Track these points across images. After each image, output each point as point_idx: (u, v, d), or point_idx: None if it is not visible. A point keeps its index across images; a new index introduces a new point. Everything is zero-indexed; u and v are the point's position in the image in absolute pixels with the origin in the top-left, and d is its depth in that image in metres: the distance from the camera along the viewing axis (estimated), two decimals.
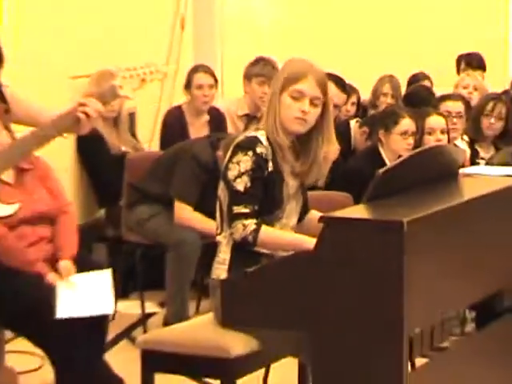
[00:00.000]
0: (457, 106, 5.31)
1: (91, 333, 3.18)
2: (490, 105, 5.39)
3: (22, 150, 3.06)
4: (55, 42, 5.09)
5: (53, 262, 3.33)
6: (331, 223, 2.57)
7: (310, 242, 2.63)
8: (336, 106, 5.20)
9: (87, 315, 3.14)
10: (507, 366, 3.33)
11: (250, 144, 2.84)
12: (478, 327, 3.51)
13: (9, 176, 3.22)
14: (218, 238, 2.93)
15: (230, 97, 6.36)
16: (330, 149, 2.96)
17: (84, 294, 3.22)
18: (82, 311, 3.17)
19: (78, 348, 3.10)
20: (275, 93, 2.89)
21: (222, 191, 2.89)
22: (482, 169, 4.17)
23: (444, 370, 3.01)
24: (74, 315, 3.10)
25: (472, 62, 7.39)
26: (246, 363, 2.94)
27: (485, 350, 3.23)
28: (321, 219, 2.56)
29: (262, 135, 2.85)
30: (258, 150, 2.81)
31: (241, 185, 2.80)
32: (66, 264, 3.25)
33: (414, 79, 7.05)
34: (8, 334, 3.56)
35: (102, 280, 3.31)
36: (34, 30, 4.95)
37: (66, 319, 3.06)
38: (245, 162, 2.81)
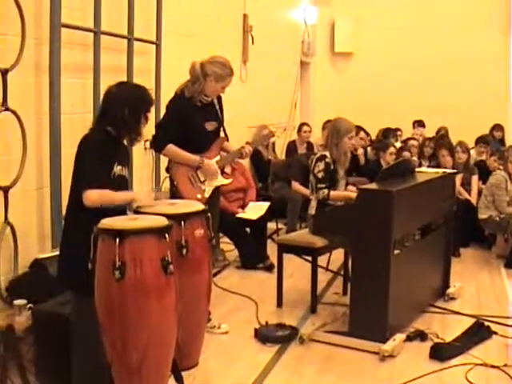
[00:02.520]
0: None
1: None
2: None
3: (226, 161, 5.57)
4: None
5: (243, 207, 6.77)
6: (362, 190, 5.34)
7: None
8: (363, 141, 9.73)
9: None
10: (433, 256, 6.20)
11: (322, 157, 6.05)
12: (422, 237, 6.28)
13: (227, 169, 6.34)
14: (311, 197, 6.15)
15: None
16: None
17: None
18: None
19: None
20: (339, 136, 6.05)
21: (312, 177, 6.09)
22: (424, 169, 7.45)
23: (406, 256, 5.59)
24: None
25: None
26: (322, 250, 6.01)
27: (425, 247, 6.08)
28: (358, 188, 5.44)
29: (327, 153, 6.05)
30: (327, 159, 6.03)
31: (320, 174, 6.03)
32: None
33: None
34: None
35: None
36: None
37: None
38: (321, 165, 6.03)
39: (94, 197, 3.73)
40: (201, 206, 4.47)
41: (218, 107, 5.46)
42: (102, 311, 3.62)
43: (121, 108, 3.92)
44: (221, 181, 5.50)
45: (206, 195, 5.31)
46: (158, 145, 5.24)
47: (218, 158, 5.44)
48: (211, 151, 5.40)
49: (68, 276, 3.94)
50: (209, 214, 4.46)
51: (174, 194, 5.23)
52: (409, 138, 10.74)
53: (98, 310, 3.63)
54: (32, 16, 5.11)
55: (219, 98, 5.50)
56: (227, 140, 5.63)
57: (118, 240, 3.52)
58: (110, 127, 3.95)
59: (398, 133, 11.63)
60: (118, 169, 3.95)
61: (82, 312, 3.83)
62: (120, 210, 3.97)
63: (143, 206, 4.22)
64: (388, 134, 11.38)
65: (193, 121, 5.24)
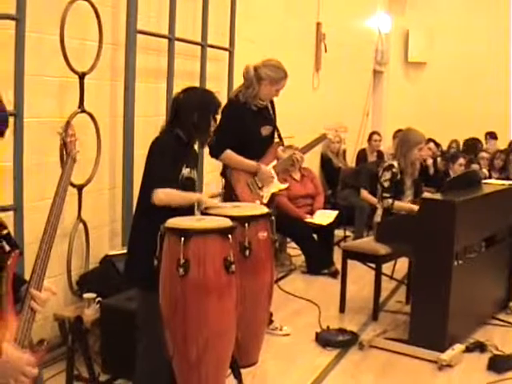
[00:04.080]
0: None
1: None
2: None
3: (279, 168, 5.48)
4: None
5: (311, 213, 6.88)
6: (426, 200, 5.46)
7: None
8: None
9: None
10: (497, 268, 6.18)
11: (389, 167, 6.12)
12: (486, 249, 6.16)
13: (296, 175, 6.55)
14: (377, 205, 6.21)
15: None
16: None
17: None
18: None
19: None
20: (409, 146, 6.09)
21: (378, 186, 6.14)
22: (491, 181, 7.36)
23: (468, 267, 5.57)
24: None
25: None
26: (385, 257, 6.07)
27: (488, 259, 6.06)
28: (421, 198, 5.55)
29: (395, 163, 6.11)
30: (394, 169, 6.09)
31: (386, 184, 6.09)
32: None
33: None
34: None
35: None
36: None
37: None
38: (388, 174, 6.09)
39: (162, 195, 3.87)
40: (265, 210, 4.57)
41: (271, 111, 5.44)
42: (165, 306, 3.76)
43: (190, 112, 4.05)
44: (278, 186, 5.48)
45: (265, 201, 5.33)
46: (215, 151, 5.19)
47: (274, 163, 5.44)
48: (267, 157, 5.40)
49: (134, 272, 4.09)
50: (273, 218, 4.56)
51: (228, 199, 5.17)
52: (480, 150, 10.69)
53: (162, 305, 3.77)
54: (109, 22, 5.31)
55: (272, 102, 5.47)
56: (282, 145, 5.64)
57: (183, 239, 3.66)
58: (180, 131, 4.09)
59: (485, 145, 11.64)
60: (186, 171, 4.08)
61: (147, 308, 3.97)
62: (187, 212, 4.10)
63: (210, 207, 4.35)
64: (474, 144, 11.38)
65: (248, 126, 5.22)
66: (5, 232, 2.59)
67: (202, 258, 3.69)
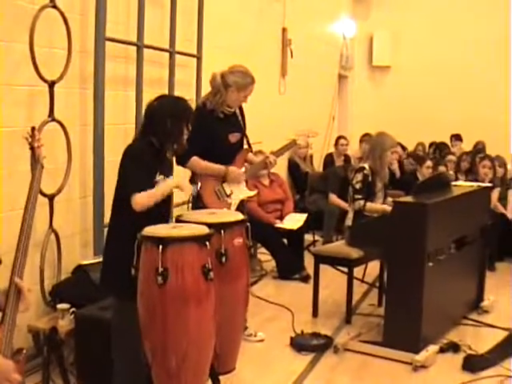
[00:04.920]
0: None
1: None
2: None
3: (251, 172, 5.54)
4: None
5: (280, 218, 6.93)
6: (397, 203, 5.43)
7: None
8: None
9: None
10: (468, 269, 6.25)
11: (361, 169, 6.15)
12: (456, 250, 5.88)
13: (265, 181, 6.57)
14: (348, 208, 6.24)
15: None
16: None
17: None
18: None
19: None
20: (382, 150, 6.15)
21: (350, 188, 6.18)
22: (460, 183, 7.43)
23: (440, 269, 5.40)
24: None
25: None
26: (357, 261, 6.08)
27: (460, 260, 6.02)
28: (394, 201, 5.51)
29: (367, 166, 6.15)
30: (365, 171, 6.13)
31: (357, 185, 6.13)
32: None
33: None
34: None
35: None
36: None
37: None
38: (359, 176, 6.13)
39: (141, 199, 3.84)
40: (240, 216, 4.58)
41: (240, 118, 5.42)
42: (143, 315, 3.74)
43: (163, 120, 4.04)
44: (246, 193, 5.45)
45: (233, 208, 5.28)
46: (181, 159, 5.01)
47: (243, 169, 5.41)
48: (236, 163, 5.34)
49: (111, 281, 4.06)
50: (248, 224, 4.55)
51: (197, 206, 5.14)
52: (447, 153, 10.79)
53: (140, 315, 3.75)
54: (78, 30, 5.27)
55: (241, 109, 5.44)
56: (251, 151, 5.64)
57: (160, 247, 3.65)
58: (153, 138, 4.07)
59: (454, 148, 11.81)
60: (160, 178, 4.06)
61: (124, 317, 3.95)
62: (162, 218, 4.09)
63: (182, 215, 4.32)
64: (441, 148, 11.57)
65: (216, 133, 5.19)
66: None
67: (181, 266, 3.68)
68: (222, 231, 4.26)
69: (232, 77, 5.20)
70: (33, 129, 3.03)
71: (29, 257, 2.73)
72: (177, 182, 4.21)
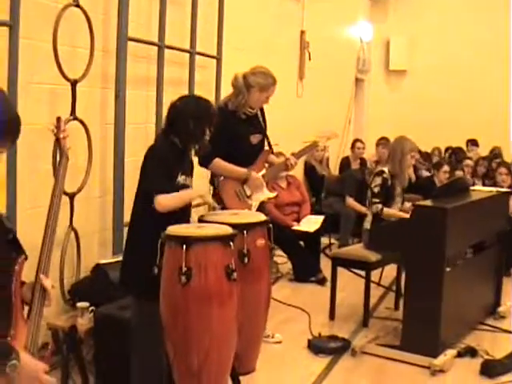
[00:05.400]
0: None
1: None
2: None
3: (272, 174, 5.56)
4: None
5: (297, 220, 6.86)
6: (417, 206, 5.41)
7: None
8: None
9: None
10: (485, 274, 6.21)
11: (380, 172, 6.13)
12: (474, 255, 6.14)
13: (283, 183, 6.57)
14: (367, 211, 6.22)
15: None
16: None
17: None
18: None
19: None
20: (403, 154, 6.12)
21: (368, 192, 6.18)
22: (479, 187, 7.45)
23: (458, 273, 5.56)
24: None
25: None
26: (375, 264, 6.09)
27: (477, 265, 6.08)
28: (414, 205, 5.56)
29: (386, 169, 6.13)
30: (384, 175, 6.11)
31: (376, 189, 6.11)
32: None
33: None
34: None
35: None
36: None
37: None
38: (378, 179, 6.11)
39: (164, 201, 3.87)
40: (263, 217, 4.58)
41: (261, 119, 5.43)
42: (166, 315, 3.74)
43: (186, 121, 4.05)
44: (267, 194, 5.45)
45: (253, 210, 5.28)
46: (204, 160, 5.06)
47: (263, 171, 5.42)
48: (257, 165, 5.36)
49: (132, 281, 4.07)
50: (270, 225, 4.54)
51: (216, 208, 5.15)
52: (463, 158, 10.75)
53: (162, 314, 3.75)
54: (100, 29, 5.28)
55: (262, 110, 5.45)
56: (272, 152, 5.64)
57: (184, 246, 3.65)
58: (175, 138, 4.08)
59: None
60: (181, 178, 4.08)
61: (145, 316, 3.96)
62: (182, 217, 4.09)
63: (206, 215, 4.32)
64: (457, 152, 11.49)
65: (238, 134, 5.19)
66: (10, 236, 2.52)
67: (204, 266, 3.69)
68: (245, 232, 4.26)
69: (254, 78, 5.21)
70: (58, 119, 2.95)
71: None
72: (201, 192, 4.28)
